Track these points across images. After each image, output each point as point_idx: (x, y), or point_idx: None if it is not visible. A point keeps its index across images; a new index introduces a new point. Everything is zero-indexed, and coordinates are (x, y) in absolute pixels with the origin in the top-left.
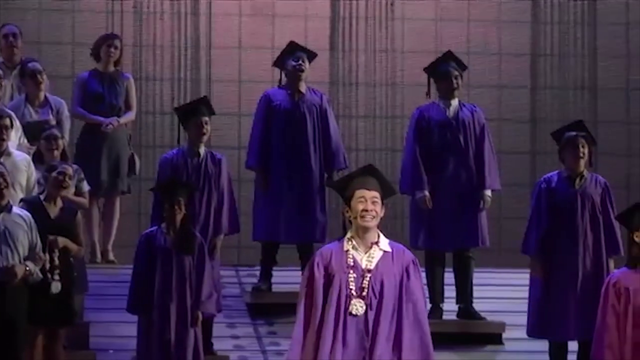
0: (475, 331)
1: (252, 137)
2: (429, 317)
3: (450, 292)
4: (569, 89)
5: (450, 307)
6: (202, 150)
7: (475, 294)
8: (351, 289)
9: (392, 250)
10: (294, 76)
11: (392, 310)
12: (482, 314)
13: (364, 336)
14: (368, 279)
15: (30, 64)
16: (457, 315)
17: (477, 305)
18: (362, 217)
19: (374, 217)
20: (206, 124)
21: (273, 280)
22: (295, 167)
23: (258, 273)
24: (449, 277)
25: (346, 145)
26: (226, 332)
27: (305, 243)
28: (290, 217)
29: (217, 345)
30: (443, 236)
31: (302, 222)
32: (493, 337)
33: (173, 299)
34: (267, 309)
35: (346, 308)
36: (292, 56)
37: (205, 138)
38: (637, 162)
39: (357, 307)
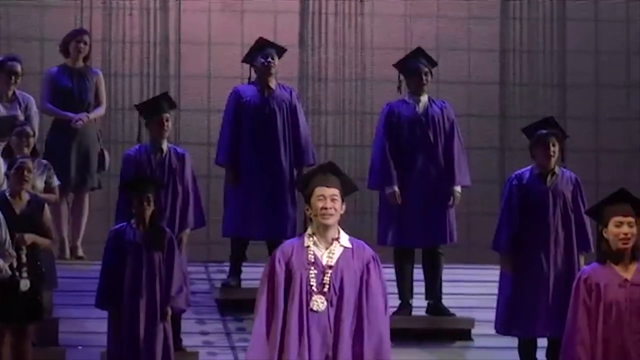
0: (445, 327)
1: (222, 134)
2: (398, 314)
3: (419, 288)
4: (538, 85)
5: (419, 303)
6: (165, 146)
7: (444, 290)
8: (312, 286)
9: (353, 246)
10: (263, 72)
11: (353, 306)
12: (452, 310)
13: (327, 332)
14: (329, 275)
15: (10, 63)
16: (427, 312)
17: (447, 302)
18: (322, 215)
19: (332, 214)
20: (167, 120)
21: (242, 276)
22: (265, 163)
23: (227, 269)
24: (418, 273)
25: (315, 141)
26: (195, 328)
27: (275, 239)
28: (260, 213)
29: (187, 341)
30: (412, 233)
31: (272, 218)
32: (462, 333)
33: (143, 294)
34: (236, 305)
35: (307, 304)
36: (261, 52)
37: (167, 134)
38: (606, 158)
39: (318, 303)
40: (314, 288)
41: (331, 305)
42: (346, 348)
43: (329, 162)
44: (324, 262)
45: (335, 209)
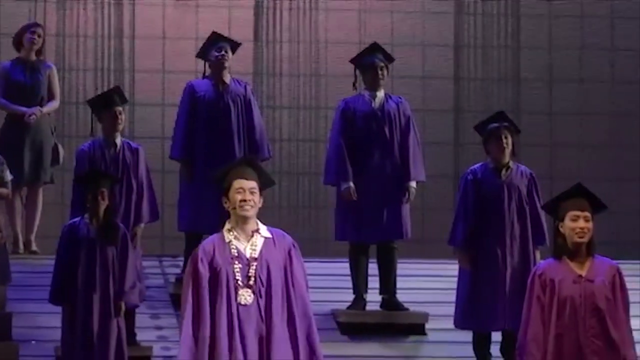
0: (399, 322)
1: (176, 128)
2: (352, 308)
3: (373, 282)
4: (493, 80)
5: (373, 297)
6: (119, 140)
7: (398, 285)
8: (238, 280)
9: (273, 235)
10: (217, 67)
11: (281, 295)
12: (406, 305)
13: (259, 324)
14: (254, 267)
15: None
16: (381, 306)
17: (401, 296)
18: (241, 207)
19: (252, 206)
20: (120, 114)
21: None
22: (219, 157)
23: (182, 263)
24: (372, 267)
25: (270, 135)
26: (149, 322)
27: None
28: (215, 208)
29: (141, 336)
30: (367, 228)
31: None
32: (416, 327)
33: (96, 289)
34: None
35: (235, 299)
36: (215, 47)
37: (120, 127)
38: (560, 152)
39: (245, 296)
40: (239, 282)
41: (260, 296)
42: (280, 337)
43: (246, 156)
44: (248, 255)
45: (254, 201)
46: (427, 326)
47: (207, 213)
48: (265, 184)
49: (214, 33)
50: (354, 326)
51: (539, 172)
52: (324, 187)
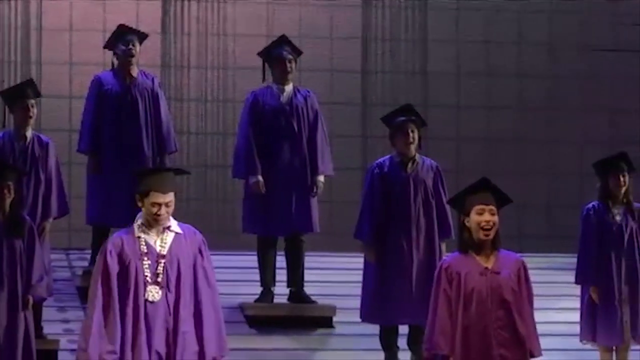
0: (307, 315)
1: (84, 121)
2: (260, 301)
3: (281, 275)
4: (400, 72)
5: (281, 290)
6: (29, 133)
7: (306, 278)
8: (146, 276)
9: (184, 231)
10: (124, 60)
11: (189, 290)
12: (313, 298)
13: (167, 319)
14: (162, 264)
15: None
16: (289, 299)
17: (308, 289)
18: (155, 219)
19: (166, 217)
20: (32, 106)
21: None
22: (127, 150)
23: (89, 256)
24: (280, 260)
25: (177, 128)
26: (56, 316)
27: None
28: (122, 201)
29: (47, 329)
30: (276, 221)
31: (134, 205)
32: (324, 320)
33: (3, 283)
34: None
35: (143, 295)
36: (122, 40)
37: (31, 121)
38: (467, 146)
39: (153, 293)
40: (148, 279)
41: (169, 291)
42: (188, 334)
43: (167, 167)
44: (157, 251)
45: (168, 213)
46: (334, 319)
47: (114, 206)
48: (176, 190)
49: (121, 26)
50: (261, 319)
51: (445, 166)
52: (232, 180)
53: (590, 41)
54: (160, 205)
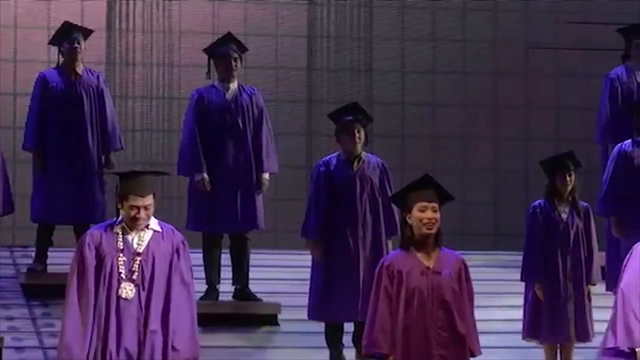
0: (252, 312)
1: (29, 119)
2: (205, 299)
3: (226, 273)
4: (345, 70)
5: (226, 288)
6: None
7: (251, 276)
8: (121, 273)
9: (162, 230)
10: (69, 57)
11: (163, 291)
12: (259, 295)
13: (137, 317)
14: (138, 262)
15: None
16: (234, 297)
17: (254, 287)
18: (133, 222)
19: (145, 220)
20: None
21: (48, 261)
22: (72, 148)
23: (33, 254)
24: (225, 258)
25: (123, 126)
26: (1, 313)
27: (83, 224)
28: (68, 199)
29: None
30: (220, 219)
31: (80, 203)
32: (269, 318)
33: None
34: (42, 290)
35: (117, 291)
36: (67, 37)
37: None
38: (412, 143)
39: (127, 290)
40: (122, 276)
41: (143, 289)
42: (158, 334)
43: (145, 170)
44: (134, 248)
45: (147, 215)
46: (279, 317)
47: (59, 204)
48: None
49: (65, 23)
50: (206, 317)
51: (391, 163)
52: (177, 177)
53: (533, 38)
54: (139, 208)
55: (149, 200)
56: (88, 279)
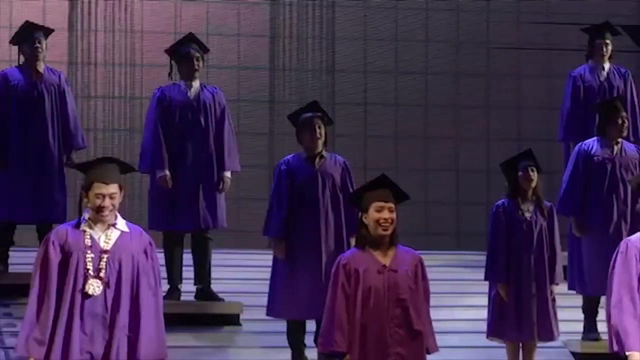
0: (214, 312)
1: None
2: (167, 298)
3: (188, 273)
4: (307, 70)
5: (188, 288)
6: None
7: (213, 275)
8: (88, 269)
9: (130, 230)
10: (31, 56)
11: (130, 290)
12: (220, 295)
13: (103, 316)
14: (105, 259)
15: None
16: (195, 297)
17: (215, 286)
18: (99, 213)
19: (111, 211)
20: None
21: (10, 261)
22: (33, 147)
23: None
24: (187, 258)
25: (85, 125)
26: None
27: (44, 223)
28: (29, 198)
29: None
30: (182, 217)
31: (41, 202)
32: (231, 318)
33: None
34: (3, 291)
35: (82, 288)
36: (28, 36)
37: None
38: (374, 143)
39: (94, 287)
40: (90, 272)
41: (109, 287)
42: (123, 332)
43: (109, 157)
44: (101, 246)
45: (113, 206)
46: (241, 317)
47: (20, 202)
48: (126, 171)
49: (27, 22)
50: (168, 317)
51: (353, 163)
52: (139, 177)
53: (493, 38)
54: (104, 196)
55: (113, 188)
56: (51, 276)
